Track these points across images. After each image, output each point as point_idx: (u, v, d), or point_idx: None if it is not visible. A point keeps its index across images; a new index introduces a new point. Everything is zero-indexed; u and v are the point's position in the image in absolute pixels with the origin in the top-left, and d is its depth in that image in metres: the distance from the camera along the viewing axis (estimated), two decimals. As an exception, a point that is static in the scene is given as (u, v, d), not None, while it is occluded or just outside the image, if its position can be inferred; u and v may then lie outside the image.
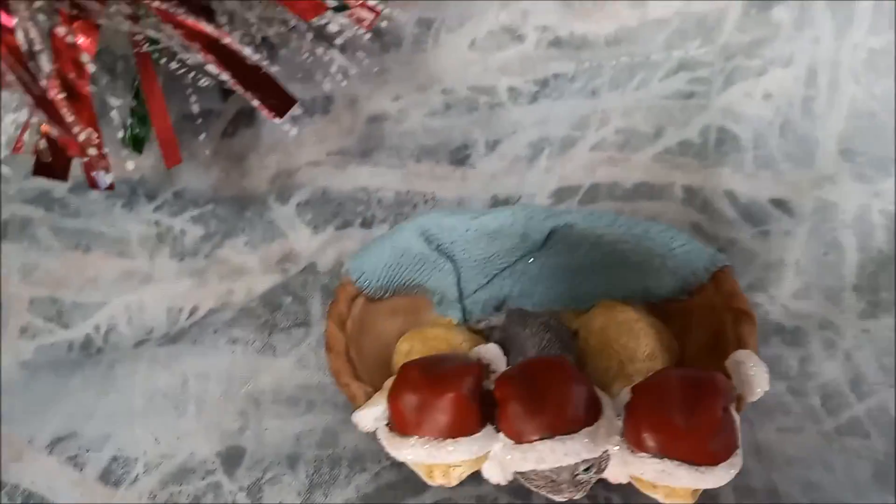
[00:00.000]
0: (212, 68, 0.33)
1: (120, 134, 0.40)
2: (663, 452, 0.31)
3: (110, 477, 0.38)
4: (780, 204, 0.43)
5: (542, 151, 0.45)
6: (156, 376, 0.40)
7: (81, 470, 0.38)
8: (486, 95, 0.46)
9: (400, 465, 0.37)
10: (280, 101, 0.34)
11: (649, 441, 0.31)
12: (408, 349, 0.39)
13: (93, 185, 0.37)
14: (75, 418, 0.39)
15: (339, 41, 0.36)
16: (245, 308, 0.42)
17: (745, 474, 0.37)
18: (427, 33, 0.46)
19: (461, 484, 0.35)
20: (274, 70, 0.40)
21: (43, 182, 0.46)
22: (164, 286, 0.44)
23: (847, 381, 0.40)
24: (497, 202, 0.45)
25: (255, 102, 0.33)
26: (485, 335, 0.41)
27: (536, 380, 0.32)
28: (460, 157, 0.45)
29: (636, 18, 0.45)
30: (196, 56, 0.33)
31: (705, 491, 0.33)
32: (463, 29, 0.46)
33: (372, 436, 0.38)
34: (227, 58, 0.33)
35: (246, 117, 0.46)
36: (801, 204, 0.43)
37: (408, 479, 0.37)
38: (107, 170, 0.36)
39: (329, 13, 0.35)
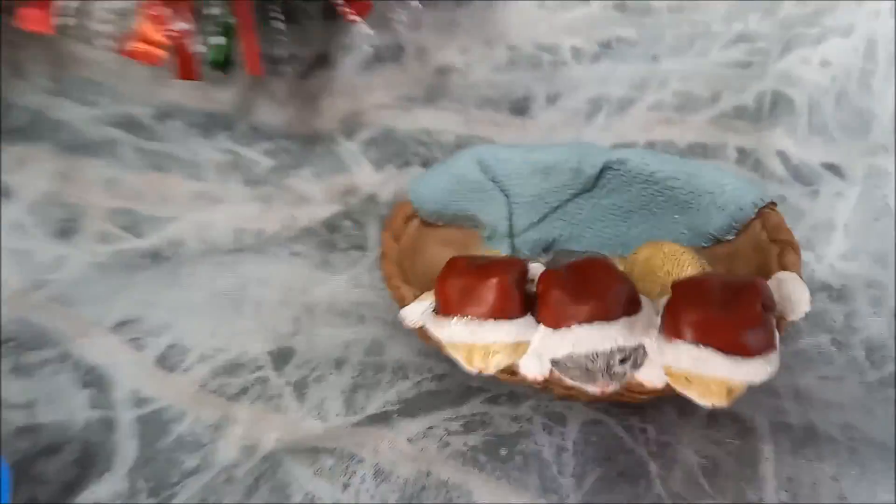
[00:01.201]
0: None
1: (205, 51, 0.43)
2: (700, 339, 0.31)
3: (166, 361, 0.40)
4: (831, 167, 0.44)
5: (601, 109, 0.47)
6: (219, 277, 0.43)
7: (141, 351, 0.40)
8: (549, 53, 0.48)
9: (441, 377, 0.38)
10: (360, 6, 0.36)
11: (686, 328, 0.31)
12: None
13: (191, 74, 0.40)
14: (140, 306, 0.42)
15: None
16: (307, 227, 0.44)
17: (783, 412, 0.37)
18: (498, -9, 0.49)
19: (498, 403, 0.36)
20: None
21: (129, 107, 0.49)
22: (233, 208, 0.46)
23: (893, 336, 0.40)
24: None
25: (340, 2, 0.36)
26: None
27: (579, 273, 0.33)
28: (520, 107, 0.47)
29: (699, -12, 0.48)
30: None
31: (741, 419, 0.34)
32: (533, -11, 0.48)
33: (416, 350, 0.39)
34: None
35: (322, 62, 0.49)
36: (853, 168, 0.44)
37: (449, 391, 0.38)
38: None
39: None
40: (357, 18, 0.36)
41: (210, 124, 0.49)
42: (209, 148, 0.48)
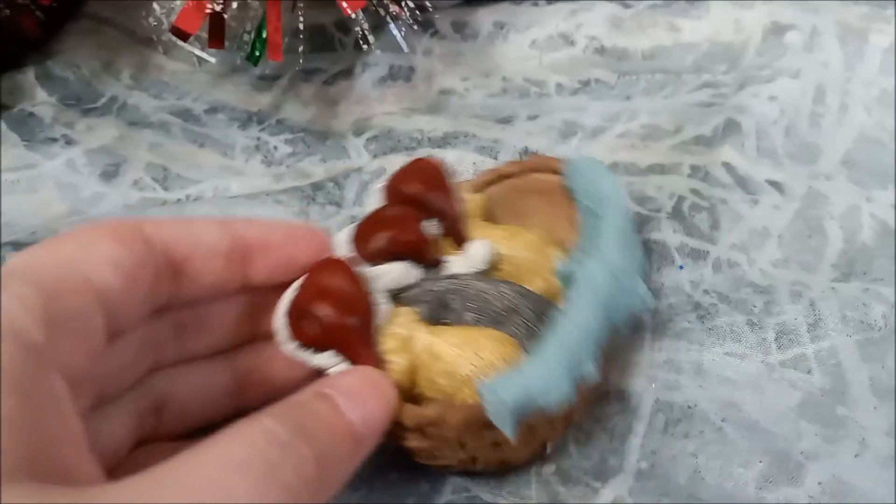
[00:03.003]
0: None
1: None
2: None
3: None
4: (774, 184, 0.48)
5: (575, 134, 0.53)
6: (211, 214, 0.50)
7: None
8: (536, 87, 0.56)
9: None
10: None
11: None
12: None
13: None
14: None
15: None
16: (295, 186, 0.52)
17: (673, 389, 0.40)
18: (499, 32, 0.57)
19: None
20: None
21: (187, 102, 0.60)
22: (249, 181, 0.54)
23: (806, 323, 0.42)
24: (527, 153, 0.52)
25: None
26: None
27: None
28: (503, 121, 0.54)
29: (671, 40, 0.54)
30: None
31: (625, 398, 0.39)
32: (528, 31, 0.57)
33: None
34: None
35: (345, 74, 0.58)
36: (795, 188, 0.47)
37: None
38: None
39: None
40: (349, 11, 0.45)
41: (247, 119, 0.58)
42: (242, 136, 0.57)
